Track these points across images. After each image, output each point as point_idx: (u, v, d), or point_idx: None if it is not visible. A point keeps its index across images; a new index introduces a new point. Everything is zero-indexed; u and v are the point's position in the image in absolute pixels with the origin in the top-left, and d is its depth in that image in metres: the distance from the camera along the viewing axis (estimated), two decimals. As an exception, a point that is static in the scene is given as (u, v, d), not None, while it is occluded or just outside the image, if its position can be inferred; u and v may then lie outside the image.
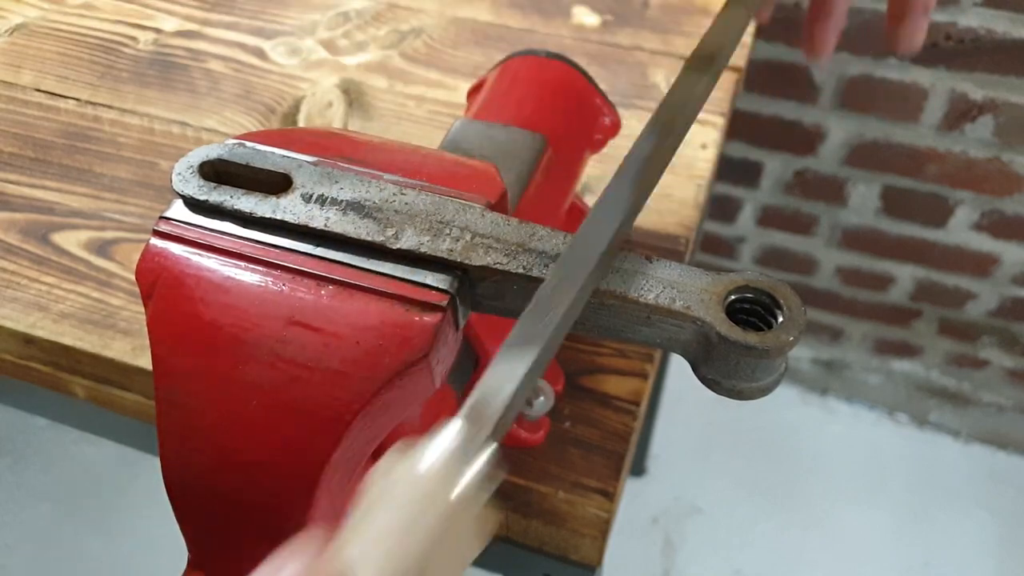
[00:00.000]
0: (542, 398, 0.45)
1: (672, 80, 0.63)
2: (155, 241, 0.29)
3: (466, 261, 0.28)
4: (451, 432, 0.21)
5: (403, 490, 0.20)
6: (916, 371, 1.31)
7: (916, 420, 1.38)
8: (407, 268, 0.28)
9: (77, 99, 0.63)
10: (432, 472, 0.20)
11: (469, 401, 0.22)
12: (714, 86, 0.33)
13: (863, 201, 1.11)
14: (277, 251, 0.28)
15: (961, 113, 0.98)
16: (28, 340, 0.50)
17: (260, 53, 0.67)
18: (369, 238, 0.28)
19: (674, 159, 0.57)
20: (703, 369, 0.27)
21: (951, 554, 1.24)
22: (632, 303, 0.27)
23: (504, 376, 0.23)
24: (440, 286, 0.27)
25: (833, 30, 0.39)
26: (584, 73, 0.46)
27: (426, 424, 0.36)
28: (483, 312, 0.30)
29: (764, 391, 0.27)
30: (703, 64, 0.33)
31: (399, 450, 0.21)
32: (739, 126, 1.07)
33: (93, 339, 0.49)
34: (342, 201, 0.29)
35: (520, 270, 0.28)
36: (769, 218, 1.18)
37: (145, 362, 0.48)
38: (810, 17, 0.39)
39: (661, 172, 0.29)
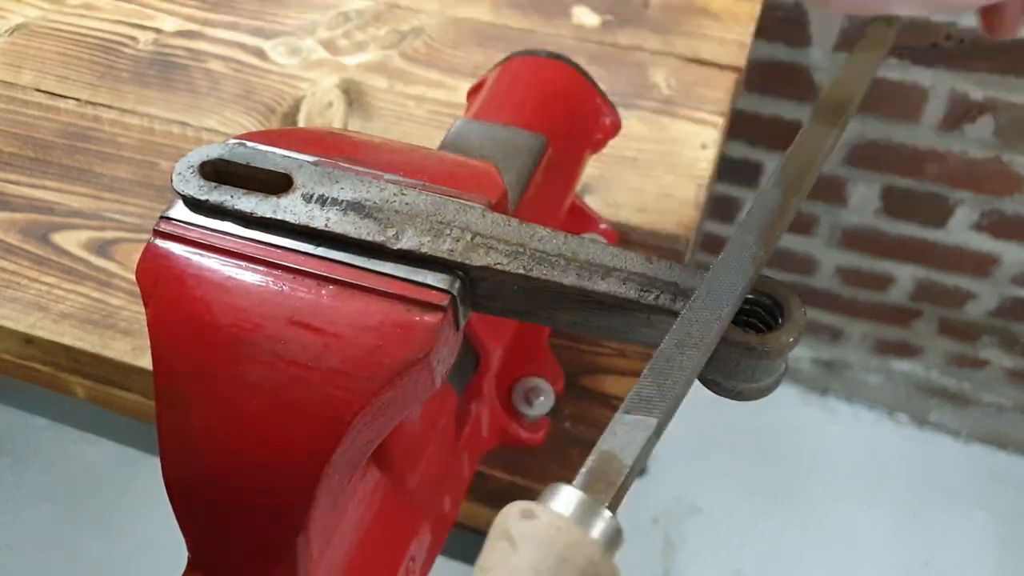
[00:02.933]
0: (542, 398, 0.45)
1: (670, 79, 0.63)
2: (155, 241, 0.29)
3: (467, 261, 0.28)
4: (569, 497, 0.21)
5: (528, 552, 0.20)
6: (916, 371, 1.31)
7: (916, 420, 1.38)
8: (408, 268, 0.28)
9: (77, 99, 0.63)
10: (553, 536, 0.20)
11: (587, 466, 0.22)
12: (842, 136, 0.32)
13: (863, 201, 1.11)
14: (278, 251, 0.28)
15: (961, 113, 0.98)
16: (28, 340, 0.50)
17: (260, 53, 0.67)
18: (370, 238, 0.28)
19: (674, 159, 0.56)
20: (703, 370, 0.27)
21: (951, 554, 1.24)
22: (632, 304, 0.27)
23: (624, 442, 0.22)
24: (441, 286, 0.27)
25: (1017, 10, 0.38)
26: (584, 73, 0.46)
27: (426, 424, 0.36)
28: (483, 312, 0.30)
29: (764, 392, 0.27)
30: (831, 115, 0.32)
31: (517, 510, 0.21)
32: (739, 126, 1.07)
33: (93, 339, 0.49)
34: (343, 201, 0.29)
35: (520, 270, 0.28)
36: (769, 218, 1.18)
37: (145, 362, 0.48)
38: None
39: (786, 226, 0.28)
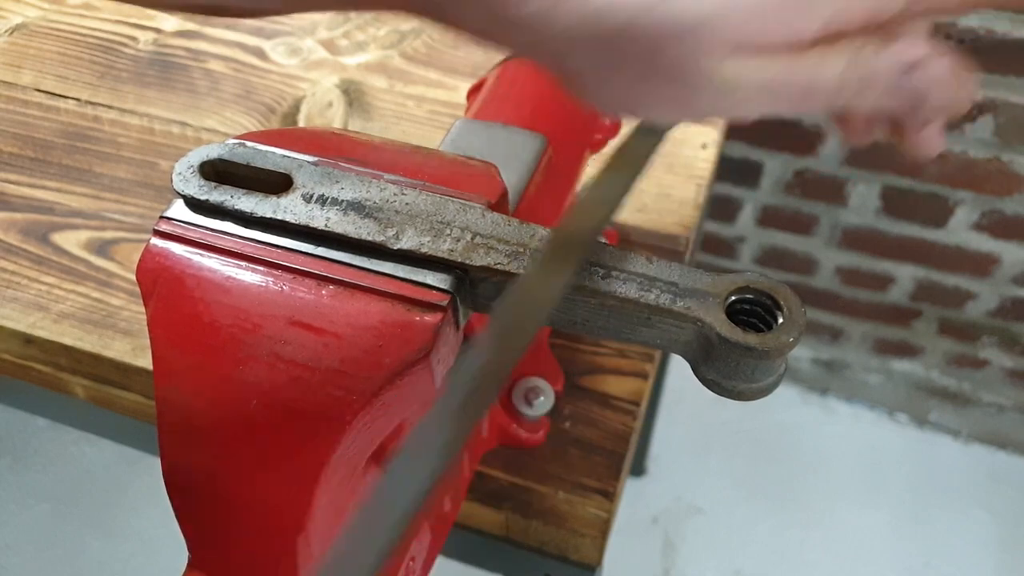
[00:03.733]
0: (542, 398, 0.45)
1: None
2: (155, 241, 0.29)
3: (467, 261, 0.28)
4: None
5: None
6: (916, 371, 1.31)
7: (916, 420, 1.38)
8: (408, 268, 0.28)
9: (77, 99, 0.63)
10: None
11: None
12: (566, 283, 0.25)
13: (863, 201, 1.11)
14: (278, 251, 0.28)
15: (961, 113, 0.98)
16: (28, 340, 0.50)
17: (260, 53, 0.67)
18: (370, 238, 0.28)
19: (674, 159, 0.55)
20: (703, 370, 0.27)
21: (951, 554, 1.24)
22: (632, 304, 0.27)
23: None
24: (441, 286, 0.27)
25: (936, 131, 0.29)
26: (584, 73, 0.45)
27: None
28: (484, 312, 0.30)
29: (764, 392, 0.27)
30: (560, 255, 0.25)
31: None
32: (739, 126, 1.07)
33: (93, 339, 0.49)
34: (343, 201, 0.29)
35: (520, 270, 0.28)
36: (769, 218, 1.18)
37: (145, 362, 0.48)
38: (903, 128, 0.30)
39: (493, 398, 0.22)
